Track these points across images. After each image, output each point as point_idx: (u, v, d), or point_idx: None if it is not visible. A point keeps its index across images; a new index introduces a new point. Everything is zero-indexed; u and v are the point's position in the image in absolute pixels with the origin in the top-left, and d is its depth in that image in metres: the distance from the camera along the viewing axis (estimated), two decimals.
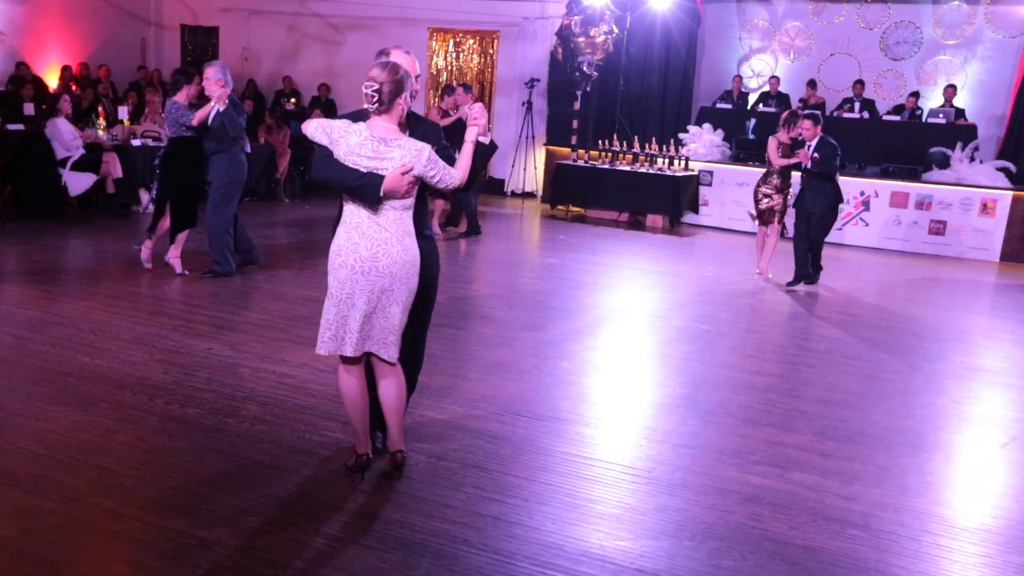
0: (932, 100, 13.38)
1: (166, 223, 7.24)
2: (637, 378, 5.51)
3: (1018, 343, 7.10)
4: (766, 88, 14.01)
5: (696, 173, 12.53)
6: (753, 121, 13.57)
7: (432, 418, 4.44)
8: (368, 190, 3.39)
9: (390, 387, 3.67)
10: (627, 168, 12.38)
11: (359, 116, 3.55)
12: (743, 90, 14.24)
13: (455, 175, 3.54)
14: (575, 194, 12.68)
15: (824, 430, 4.68)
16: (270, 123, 12.48)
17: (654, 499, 3.74)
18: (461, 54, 14.82)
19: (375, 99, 3.40)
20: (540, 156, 14.22)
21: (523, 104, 14.09)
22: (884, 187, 11.58)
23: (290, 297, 6.81)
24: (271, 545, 3.13)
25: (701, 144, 12.90)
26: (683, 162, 12.38)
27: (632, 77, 14.51)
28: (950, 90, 12.95)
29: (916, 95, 13.16)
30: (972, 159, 11.65)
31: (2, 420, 4.10)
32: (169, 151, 7.12)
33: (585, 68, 13.00)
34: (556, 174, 12.76)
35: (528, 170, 14.39)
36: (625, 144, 12.77)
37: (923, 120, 12.87)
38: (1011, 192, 11.11)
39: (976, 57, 13.42)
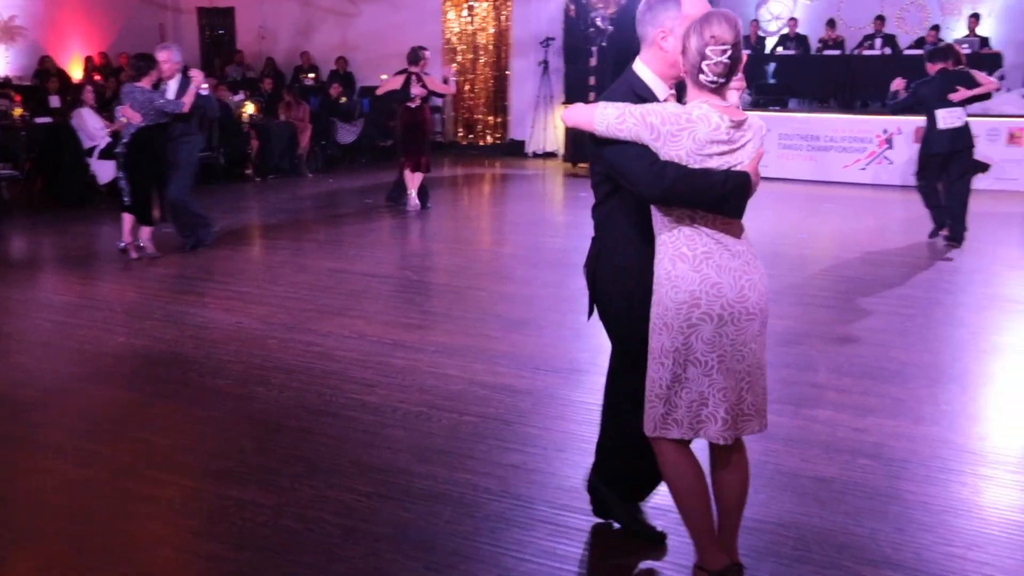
0: (956, 31, 13.11)
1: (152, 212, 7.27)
2: None
3: None
4: (785, 31, 13.83)
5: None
6: (773, 65, 13.43)
7: (455, 376, 4.58)
8: (740, 195, 2.41)
9: (740, 473, 2.69)
10: None
11: (637, 96, 2.60)
12: (760, 34, 14.07)
13: None
14: None
15: (840, 367, 4.74)
16: (289, 100, 12.62)
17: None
18: (476, 17, 14.79)
19: (727, 68, 2.38)
20: (559, 115, 14.20)
21: (539, 64, 14.07)
22: (907, 123, 11.40)
23: (314, 269, 6.98)
24: (302, 501, 3.30)
25: None
26: None
27: None
28: (974, 19, 12.68)
29: (936, 28, 12.92)
30: (999, 88, 11.43)
31: (48, 399, 4.32)
32: (144, 139, 6.92)
33: (599, 23, 12.92)
34: (575, 132, 12.73)
35: (548, 130, 14.40)
36: None
37: None
38: None
39: None
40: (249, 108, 12.05)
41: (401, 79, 9.15)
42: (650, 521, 3.08)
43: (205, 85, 7.13)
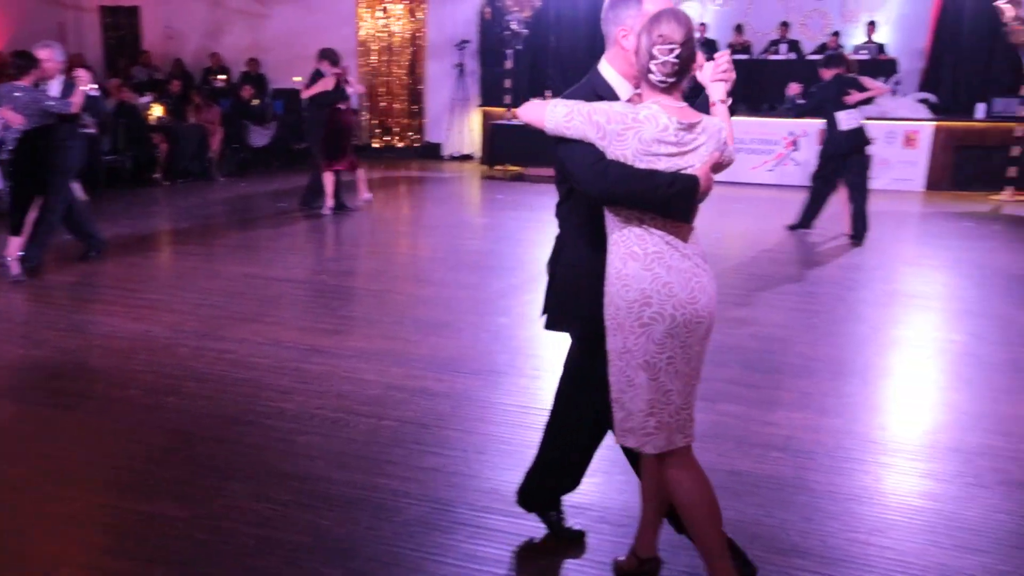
0: (855, 37, 13.63)
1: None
2: None
3: (938, 268, 7.40)
4: (695, 35, 14.14)
5: None
6: None
7: (372, 380, 4.54)
8: (686, 199, 2.40)
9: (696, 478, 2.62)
10: None
11: (597, 95, 2.55)
12: None
13: (732, 149, 2.53)
14: (512, 153, 12.76)
15: (751, 363, 4.88)
16: (198, 102, 12.32)
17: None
18: (390, 20, 14.69)
19: (675, 68, 2.35)
20: (476, 118, 14.24)
21: (455, 67, 14.06)
22: (812, 125, 11.80)
23: (227, 275, 6.83)
24: (215, 513, 3.23)
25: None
26: None
27: (563, 32, 14.53)
28: (871, 27, 13.22)
29: (837, 34, 13.41)
30: (895, 92, 11.95)
31: None
32: (31, 143, 6.48)
33: (515, 26, 13.00)
34: (492, 135, 12.83)
35: (464, 133, 14.41)
36: None
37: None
38: (933, 123, 11.44)
39: None
40: (156, 110, 11.71)
41: (333, 80, 9.04)
42: (567, 522, 3.12)
43: (94, 85, 6.83)
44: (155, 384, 4.50)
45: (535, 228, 8.89)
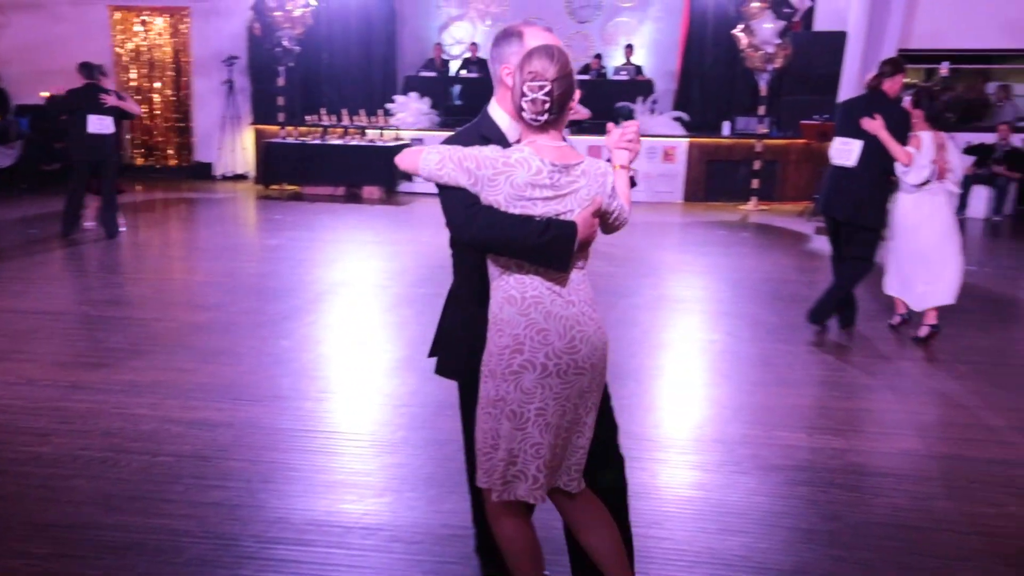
0: (615, 59, 14.51)
1: None
2: (358, 347, 5.60)
3: (698, 273, 8.01)
4: (467, 54, 14.48)
5: (408, 142, 12.73)
6: (458, 87, 14.00)
7: (145, 415, 4.26)
8: (560, 246, 2.28)
9: (604, 529, 2.53)
10: (338, 142, 12.35)
11: (483, 137, 2.45)
12: (444, 57, 14.62)
13: (625, 207, 2.46)
14: (288, 172, 12.45)
15: None
16: None
17: (377, 459, 3.87)
18: (151, 33, 13.90)
19: (546, 106, 2.24)
20: (248, 136, 13.77)
21: (224, 83, 13.53)
22: (580, 142, 12.42)
23: None
24: None
25: (409, 113, 13.12)
26: (393, 132, 12.55)
27: (335, 50, 14.41)
28: (628, 49, 14.13)
29: (599, 56, 14.23)
30: (652, 111, 12.83)
31: None
32: None
33: (286, 43, 12.71)
34: (267, 153, 12.45)
35: (237, 152, 13.88)
36: (334, 118, 12.69)
37: (608, 78, 13.95)
38: (687, 139, 12.38)
39: (649, 18, 14.73)
40: None
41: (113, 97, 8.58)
42: None
43: None
44: None
45: (315, 248, 8.73)
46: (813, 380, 5.08)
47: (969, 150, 11.46)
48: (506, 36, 2.46)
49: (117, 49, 13.80)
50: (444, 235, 2.47)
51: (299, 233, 9.50)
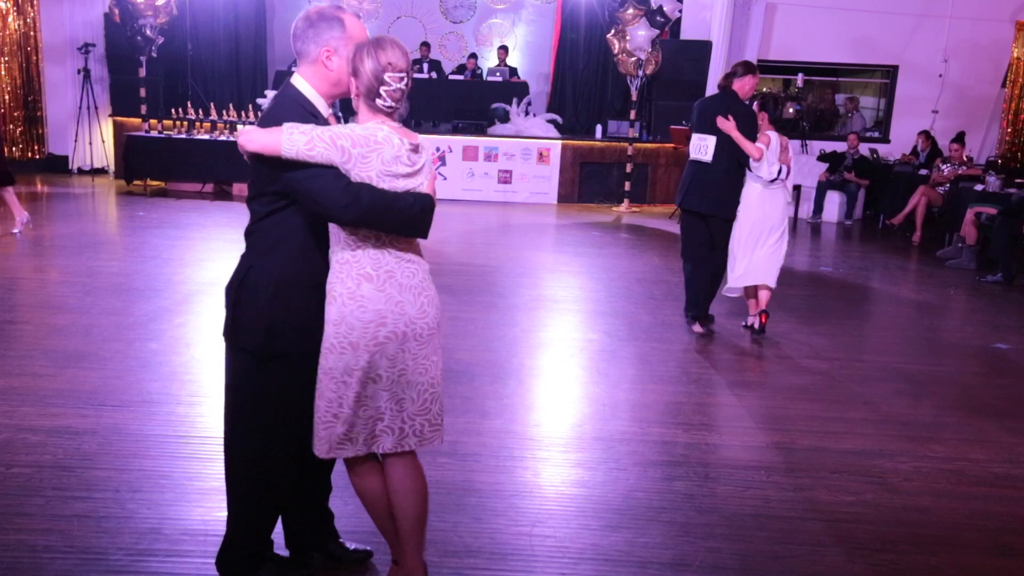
0: (490, 60, 14.60)
1: None
2: None
3: (574, 273, 8.15)
4: None
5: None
6: None
7: None
8: (428, 216, 2.53)
9: (419, 495, 2.72)
10: (206, 137, 11.90)
11: (308, 113, 2.54)
12: None
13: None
14: (153, 167, 11.90)
15: None
16: None
17: None
18: None
19: (403, 94, 2.47)
20: (107, 128, 13.08)
21: (79, 72, 12.81)
22: (456, 142, 12.44)
23: None
24: None
25: None
26: None
27: (201, 42, 13.90)
28: (503, 51, 14.24)
29: (475, 56, 14.28)
30: (527, 113, 12.97)
31: None
32: None
33: (148, 32, 12.15)
34: (128, 147, 11.85)
35: (95, 144, 13.17)
36: (201, 112, 12.22)
37: (483, 79, 14.01)
38: (560, 141, 12.57)
39: (522, 20, 14.90)
40: None
41: None
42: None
43: None
44: None
45: (184, 247, 8.38)
46: (687, 377, 5.25)
47: (822, 157, 12.14)
48: (326, 20, 2.54)
49: None
50: None
51: (165, 231, 9.11)
